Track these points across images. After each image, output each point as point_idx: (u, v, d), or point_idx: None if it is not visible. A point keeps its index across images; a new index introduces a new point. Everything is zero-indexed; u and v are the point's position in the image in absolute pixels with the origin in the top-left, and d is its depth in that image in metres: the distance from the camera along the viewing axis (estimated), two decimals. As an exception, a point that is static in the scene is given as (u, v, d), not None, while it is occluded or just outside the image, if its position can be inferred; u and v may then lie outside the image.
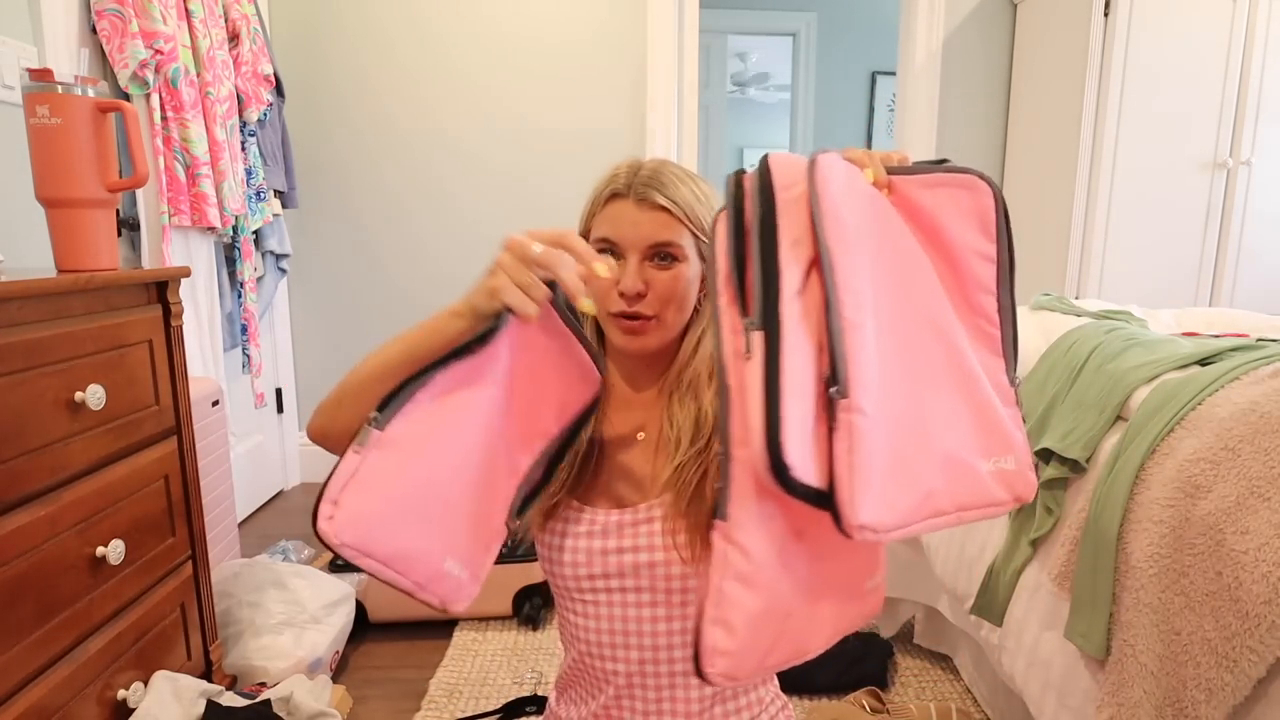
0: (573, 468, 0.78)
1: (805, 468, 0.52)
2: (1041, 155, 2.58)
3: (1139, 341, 1.15)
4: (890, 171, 0.61)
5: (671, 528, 0.73)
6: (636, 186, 0.75)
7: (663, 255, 0.75)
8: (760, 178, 0.57)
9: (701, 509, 0.71)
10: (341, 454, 0.58)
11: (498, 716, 1.42)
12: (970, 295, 0.62)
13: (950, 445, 0.57)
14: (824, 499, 0.54)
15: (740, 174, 0.59)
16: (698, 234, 0.76)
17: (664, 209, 0.74)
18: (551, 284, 0.61)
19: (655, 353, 0.78)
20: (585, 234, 0.80)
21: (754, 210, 0.57)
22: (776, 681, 0.88)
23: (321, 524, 0.55)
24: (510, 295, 0.58)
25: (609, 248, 0.76)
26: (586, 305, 0.59)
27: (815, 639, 0.62)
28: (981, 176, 0.61)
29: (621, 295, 0.74)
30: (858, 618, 0.66)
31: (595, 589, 0.77)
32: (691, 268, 0.76)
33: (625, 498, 0.78)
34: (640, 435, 0.79)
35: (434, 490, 0.60)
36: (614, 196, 0.76)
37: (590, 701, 0.82)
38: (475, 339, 0.60)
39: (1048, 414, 1.16)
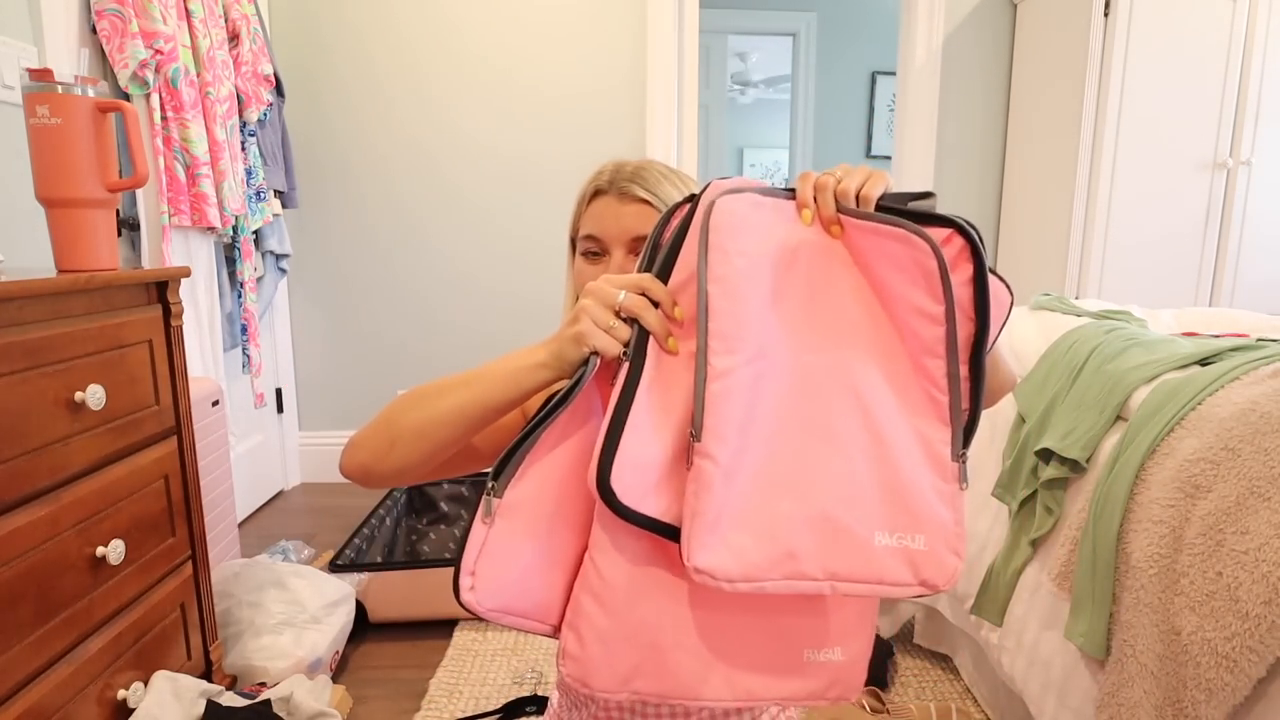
0: None
1: (642, 498, 0.55)
2: (1041, 155, 2.58)
3: (1139, 341, 1.15)
4: (845, 210, 0.57)
5: None
6: (618, 182, 0.76)
7: None
8: (686, 215, 0.60)
9: None
10: (469, 526, 0.60)
11: (498, 716, 1.42)
12: (916, 357, 0.57)
13: (832, 510, 0.55)
14: (674, 533, 0.56)
15: (675, 209, 0.62)
16: None
17: (645, 202, 0.75)
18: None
19: None
20: (574, 233, 0.82)
21: (666, 243, 0.61)
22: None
23: (464, 595, 0.59)
24: (598, 339, 0.59)
25: (594, 244, 0.77)
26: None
27: (708, 686, 0.60)
28: (929, 230, 0.54)
29: None
30: (797, 690, 0.62)
31: None
32: None
33: None
34: None
35: (557, 542, 0.63)
36: (597, 194, 0.78)
37: (591, 704, 0.81)
38: (570, 390, 0.60)
39: (1048, 414, 1.16)
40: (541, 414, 0.59)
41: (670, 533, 0.56)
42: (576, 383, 0.59)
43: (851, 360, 0.57)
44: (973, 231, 0.55)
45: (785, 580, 0.55)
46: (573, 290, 0.84)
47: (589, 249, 0.78)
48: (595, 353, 0.59)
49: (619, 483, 0.55)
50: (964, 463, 0.57)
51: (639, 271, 0.62)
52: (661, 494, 0.57)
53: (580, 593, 0.60)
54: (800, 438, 0.56)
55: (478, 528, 0.60)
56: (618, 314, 0.59)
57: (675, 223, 0.61)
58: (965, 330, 0.56)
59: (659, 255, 0.61)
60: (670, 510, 0.56)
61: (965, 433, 0.57)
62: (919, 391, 0.57)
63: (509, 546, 0.60)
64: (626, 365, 0.58)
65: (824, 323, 0.57)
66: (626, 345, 0.59)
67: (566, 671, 0.60)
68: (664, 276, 0.60)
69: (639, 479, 0.56)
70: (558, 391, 0.60)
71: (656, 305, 0.59)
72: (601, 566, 0.59)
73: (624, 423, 0.56)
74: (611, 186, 0.77)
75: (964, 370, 0.56)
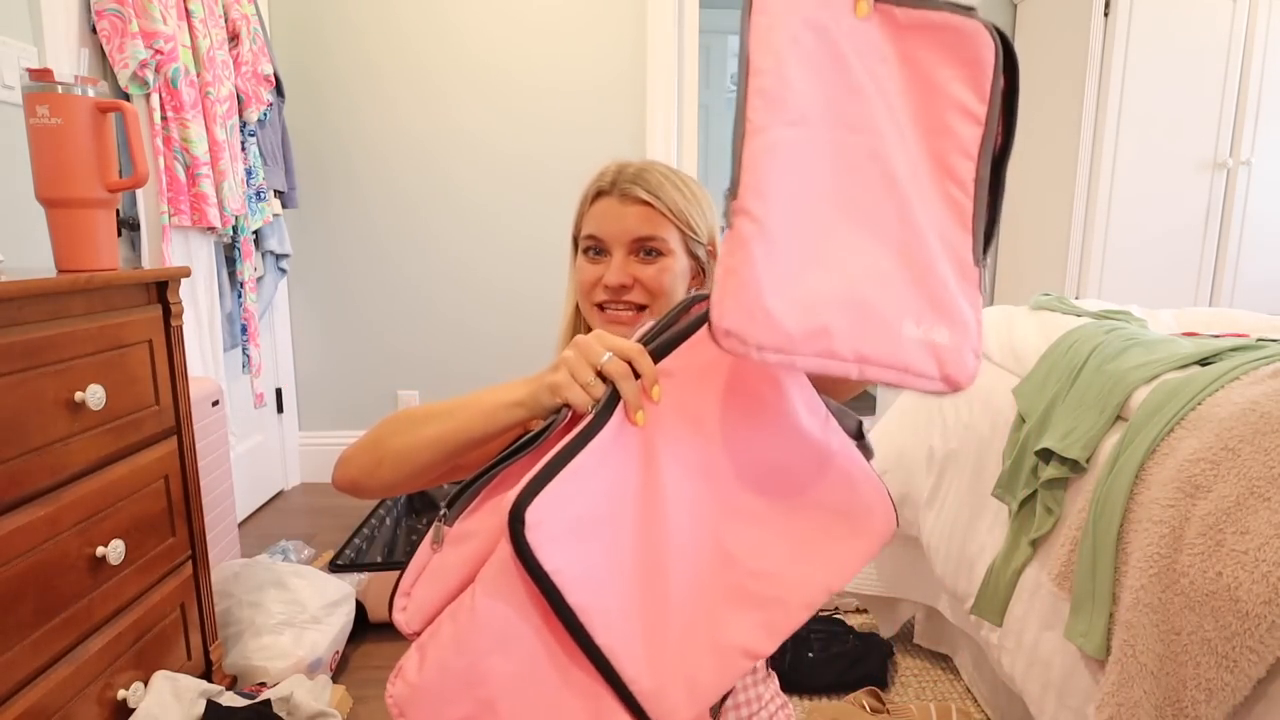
0: None
1: (546, 543, 0.53)
2: (1041, 155, 2.58)
3: (1139, 341, 1.15)
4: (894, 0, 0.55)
5: None
6: (620, 184, 0.77)
7: (647, 250, 0.77)
8: (704, 313, 0.61)
9: None
10: (416, 548, 0.61)
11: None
12: (944, 153, 0.55)
13: (866, 293, 0.52)
14: (554, 599, 0.54)
15: (695, 301, 0.64)
16: (683, 229, 0.78)
17: (646, 204, 0.76)
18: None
19: None
20: (576, 232, 0.82)
21: (676, 326, 0.62)
22: (776, 681, 0.88)
23: (396, 615, 0.59)
24: (571, 392, 0.59)
25: (596, 244, 0.78)
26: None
27: None
28: (987, 26, 0.53)
29: (606, 288, 0.77)
30: None
31: None
32: (679, 262, 0.78)
33: None
34: None
35: None
36: (599, 195, 0.79)
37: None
38: (535, 436, 0.60)
39: (1048, 414, 1.16)
40: (504, 454, 0.60)
41: (553, 597, 0.54)
42: (544, 430, 0.60)
43: (887, 149, 0.54)
44: (1008, 40, 0.54)
45: (816, 358, 0.51)
46: (573, 289, 0.84)
47: (590, 248, 0.79)
48: (567, 404, 0.60)
49: (533, 515, 0.53)
50: (984, 269, 0.56)
51: (641, 341, 0.62)
52: (565, 550, 0.54)
53: (445, 618, 0.58)
54: (837, 216, 0.53)
55: (423, 551, 0.60)
56: (599, 373, 0.59)
57: (693, 312, 0.62)
58: (993, 141, 0.55)
59: (664, 334, 0.61)
60: (563, 573, 0.54)
61: (985, 243, 0.56)
62: (942, 192, 0.55)
63: (447, 572, 0.60)
64: (590, 417, 0.57)
65: (862, 106, 0.54)
66: (597, 402, 0.58)
67: (390, 692, 0.58)
68: (662, 354, 0.60)
69: (554, 521, 0.54)
70: (529, 431, 0.61)
71: (639, 377, 0.59)
72: (479, 599, 0.56)
73: (565, 464, 0.54)
74: (614, 188, 0.78)
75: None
